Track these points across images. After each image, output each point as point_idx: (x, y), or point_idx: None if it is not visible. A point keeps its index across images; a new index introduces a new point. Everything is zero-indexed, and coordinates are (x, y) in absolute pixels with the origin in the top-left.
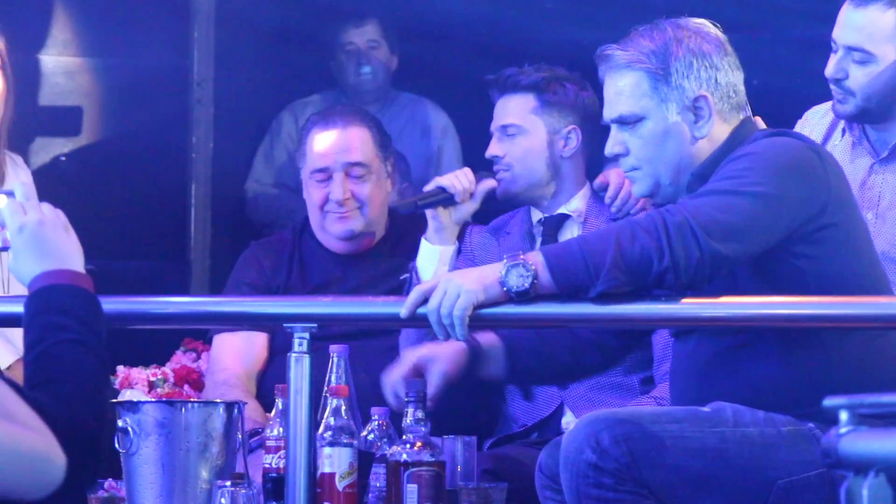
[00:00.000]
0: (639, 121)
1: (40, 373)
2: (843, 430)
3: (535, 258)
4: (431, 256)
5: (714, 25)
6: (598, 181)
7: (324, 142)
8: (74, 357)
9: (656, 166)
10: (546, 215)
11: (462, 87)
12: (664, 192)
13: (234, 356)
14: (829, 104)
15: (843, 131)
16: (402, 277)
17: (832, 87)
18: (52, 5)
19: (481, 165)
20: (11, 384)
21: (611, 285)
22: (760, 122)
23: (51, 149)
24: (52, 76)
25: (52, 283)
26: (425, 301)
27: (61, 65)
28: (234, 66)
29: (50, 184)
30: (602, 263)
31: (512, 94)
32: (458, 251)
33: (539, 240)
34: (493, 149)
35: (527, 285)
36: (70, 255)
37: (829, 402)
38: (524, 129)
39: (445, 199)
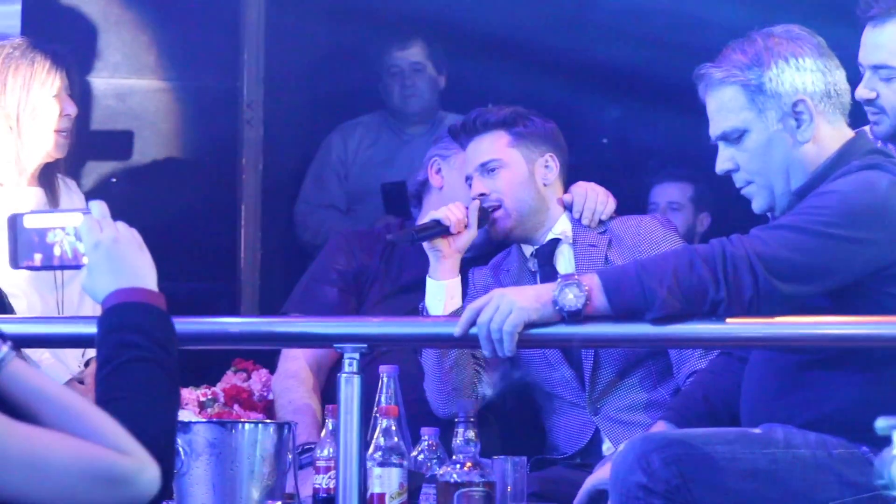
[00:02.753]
0: (742, 134)
1: (111, 390)
2: (895, 452)
3: (591, 280)
4: (438, 293)
5: (806, 29)
6: (564, 198)
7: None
8: (146, 375)
9: (767, 177)
10: (537, 247)
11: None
12: (781, 203)
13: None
14: (866, 128)
15: None
16: None
17: (866, 109)
18: (102, 28)
19: None
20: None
21: (666, 312)
22: (867, 136)
23: (102, 171)
24: (104, 98)
25: (125, 300)
26: (478, 313)
27: (112, 87)
28: (284, 87)
29: None
30: (659, 289)
31: (483, 133)
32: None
33: (537, 272)
34: (478, 188)
35: (580, 305)
36: (144, 273)
37: (881, 422)
38: (505, 163)
39: (441, 230)
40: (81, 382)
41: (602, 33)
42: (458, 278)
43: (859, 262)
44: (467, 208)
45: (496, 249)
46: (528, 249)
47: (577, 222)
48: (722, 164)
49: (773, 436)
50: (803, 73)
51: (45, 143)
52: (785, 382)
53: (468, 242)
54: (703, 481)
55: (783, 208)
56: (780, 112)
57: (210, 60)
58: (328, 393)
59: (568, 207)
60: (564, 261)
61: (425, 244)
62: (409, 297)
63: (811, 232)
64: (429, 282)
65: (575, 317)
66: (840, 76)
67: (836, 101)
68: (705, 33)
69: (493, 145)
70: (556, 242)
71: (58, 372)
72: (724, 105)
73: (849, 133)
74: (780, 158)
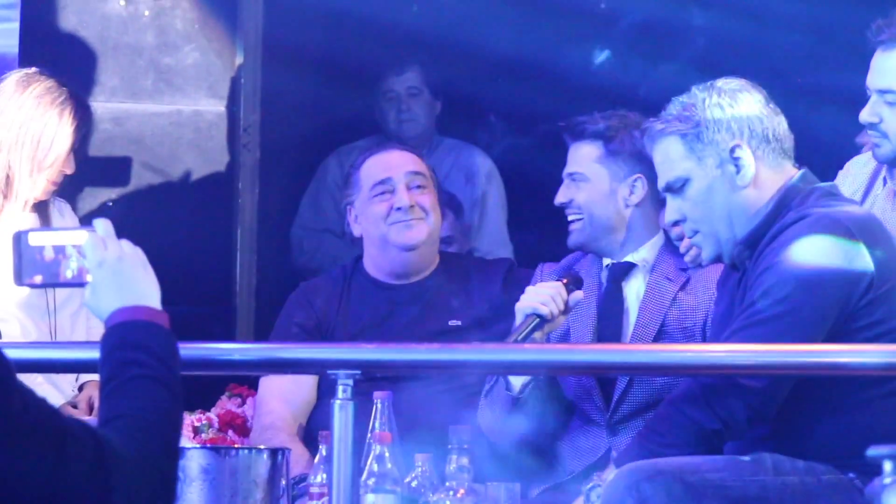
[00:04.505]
0: (685, 184)
1: (114, 408)
2: (887, 481)
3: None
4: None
5: (743, 80)
6: (675, 231)
7: (381, 160)
8: (148, 393)
9: (711, 224)
10: (613, 260)
11: (507, 130)
12: (729, 250)
13: (281, 399)
14: (870, 153)
15: (885, 180)
16: (450, 323)
17: (869, 132)
18: (100, 52)
19: (525, 210)
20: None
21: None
22: (810, 176)
23: (99, 194)
24: (101, 122)
25: (129, 318)
26: None
27: (109, 111)
28: (281, 112)
29: None
30: (667, 450)
31: (580, 141)
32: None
33: (604, 286)
34: (561, 195)
35: None
36: (148, 291)
37: (872, 451)
38: (587, 178)
39: (541, 323)
40: (75, 406)
41: (602, 60)
42: None
43: (828, 321)
44: (566, 289)
45: None
46: (605, 261)
47: (663, 252)
48: (669, 216)
49: (762, 463)
50: (739, 119)
51: (40, 186)
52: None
53: (558, 326)
54: None
55: (732, 257)
56: (718, 158)
57: (207, 85)
58: (312, 429)
59: (675, 239)
60: (635, 287)
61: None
62: (372, 333)
63: (770, 320)
64: None
65: None
66: (779, 122)
67: (777, 147)
68: (710, 50)
69: (583, 157)
70: (631, 266)
71: (51, 396)
72: (666, 156)
73: (792, 174)
74: (721, 205)
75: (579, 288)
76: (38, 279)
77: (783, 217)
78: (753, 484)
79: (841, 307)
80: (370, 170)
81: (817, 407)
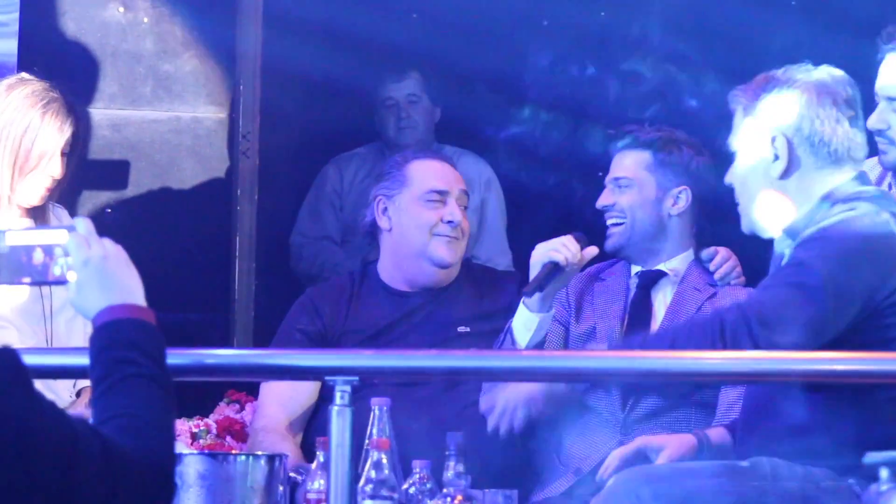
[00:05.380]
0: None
1: (109, 408)
2: (883, 487)
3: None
4: (529, 323)
5: (836, 77)
6: (707, 251)
7: (439, 169)
8: (143, 391)
9: (742, 200)
10: (643, 268)
11: (504, 138)
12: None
13: (278, 403)
14: (875, 159)
15: (890, 186)
16: (459, 329)
17: (877, 138)
18: (99, 58)
19: (524, 218)
20: (87, 424)
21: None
22: (864, 178)
23: (97, 201)
24: (99, 129)
25: (117, 317)
26: None
27: (108, 118)
28: (280, 118)
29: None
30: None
31: (629, 149)
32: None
33: (632, 292)
34: (605, 199)
35: None
36: (134, 289)
37: (869, 458)
38: (635, 183)
39: (556, 271)
40: None
41: (601, 67)
42: (552, 312)
43: (857, 305)
44: (579, 243)
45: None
46: (635, 268)
47: (693, 266)
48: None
49: (761, 469)
50: (787, 112)
51: (29, 190)
52: (780, 409)
53: (569, 282)
54: None
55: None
56: (760, 142)
57: (206, 92)
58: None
59: (704, 258)
60: (663, 296)
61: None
62: (382, 340)
63: (809, 287)
64: (523, 309)
65: None
66: (835, 128)
67: (823, 150)
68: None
69: (633, 163)
70: (661, 274)
71: None
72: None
73: (846, 177)
74: (754, 187)
75: (588, 245)
76: (17, 279)
77: (828, 210)
78: (752, 490)
79: (870, 294)
80: (426, 174)
81: (824, 409)
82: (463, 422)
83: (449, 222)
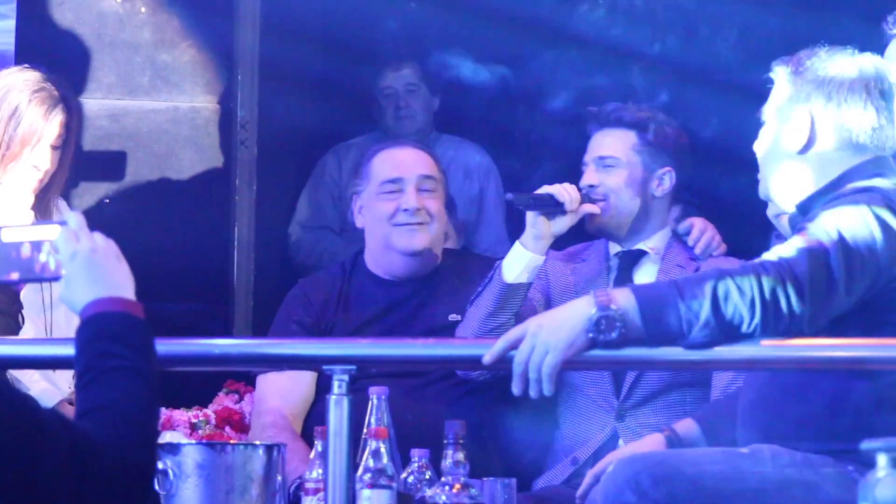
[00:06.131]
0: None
1: (89, 400)
2: (880, 474)
3: (627, 301)
4: (521, 259)
5: (876, 66)
6: (683, 225)
7: (395, 157)
8: (125, 384)
9: (762, 169)
10: (623, 249)
11: (500, 129)
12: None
13: (279, 396)
14: None
15: None
16: (450, 318)
17: None
18: (96, 48)
19: (520, 212)
20: (59, 416)
21: (701, 343)
22: (884, 162)
23: (95, 191)
24: (97, 119)
25: (103, 310)
26: (511, 347)
27: (105, 108)
28: (278, 108)
29: (94, 226)
30: (696, 318)
31: (613, 128)
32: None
33: (614, 273)
34: (590, 178)
35: (615, 336)
36: (122, 283)
37: (866, 444)
38: (623, 163)
39: (553, 207)
40: (72, 404)
41: (603, 55)
42: (543, 259)
43: (866, 278)
44: (581, 194)
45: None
46: (614, 248)
47: (673, 243)
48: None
49: (761, 455)
50: (817, 90)
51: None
52: (785, 394)
53: (564, 229)
54: (693, 502)
55: (790, 219)
56: (786, 114)
57: (204, 81)
58: (309, 426)
59: (681, 232)
60: (645, 274)
61: (530, 215)
62: (373, 329)
63: (838, 251)
64: (517, 246)
65: (610, 345)
66: (866, 116)
67: (844, 134)
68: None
69: (618, 143)
70: (642, 253)
71: (48, 394)
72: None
73: (864, 159)
74: (774, 157)
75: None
76: (12, 276)
77: (840, 189)
78: (753, 476)
79: (879, 272)
80: (382, 165)
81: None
82: (461, 410)
83: (405, 210)
